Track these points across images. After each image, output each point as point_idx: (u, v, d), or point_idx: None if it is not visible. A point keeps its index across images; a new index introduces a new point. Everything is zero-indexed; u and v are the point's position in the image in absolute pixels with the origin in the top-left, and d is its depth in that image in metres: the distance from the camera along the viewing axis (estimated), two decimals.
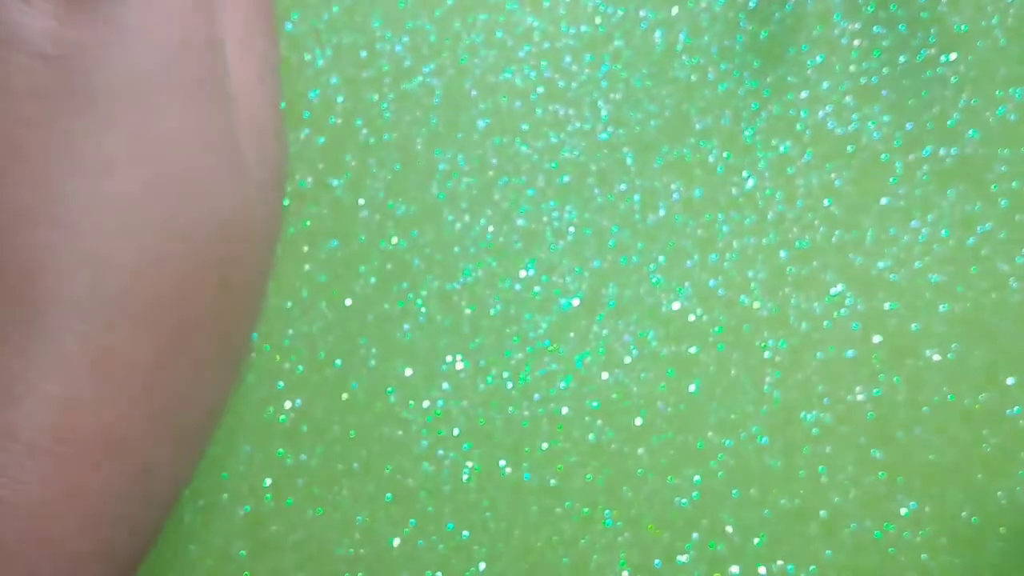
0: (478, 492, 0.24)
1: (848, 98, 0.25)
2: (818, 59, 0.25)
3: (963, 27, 0.25)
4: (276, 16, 0.19)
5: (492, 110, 0.24)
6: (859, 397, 0.24)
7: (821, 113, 0.25)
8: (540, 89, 0.24)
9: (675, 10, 0.25)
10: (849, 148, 0.25)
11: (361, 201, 0.24)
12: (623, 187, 0.24)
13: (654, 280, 0.24)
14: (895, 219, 0.25)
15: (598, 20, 0.24)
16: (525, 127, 0.24)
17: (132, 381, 0.18)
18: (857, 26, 0.25)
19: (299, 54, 0.24)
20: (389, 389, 0.24)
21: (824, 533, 0.24)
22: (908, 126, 0.25)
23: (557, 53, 0.24)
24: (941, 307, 0.25)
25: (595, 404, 0.24)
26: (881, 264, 0.24)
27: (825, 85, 0.25)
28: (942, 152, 0.25)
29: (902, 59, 0.25)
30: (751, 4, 0.25)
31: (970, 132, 0.25)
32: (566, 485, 0.24)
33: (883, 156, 0.25)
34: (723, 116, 0.24)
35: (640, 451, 0.24)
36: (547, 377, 0.24)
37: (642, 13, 0.24)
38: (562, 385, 0.24)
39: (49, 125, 0.17)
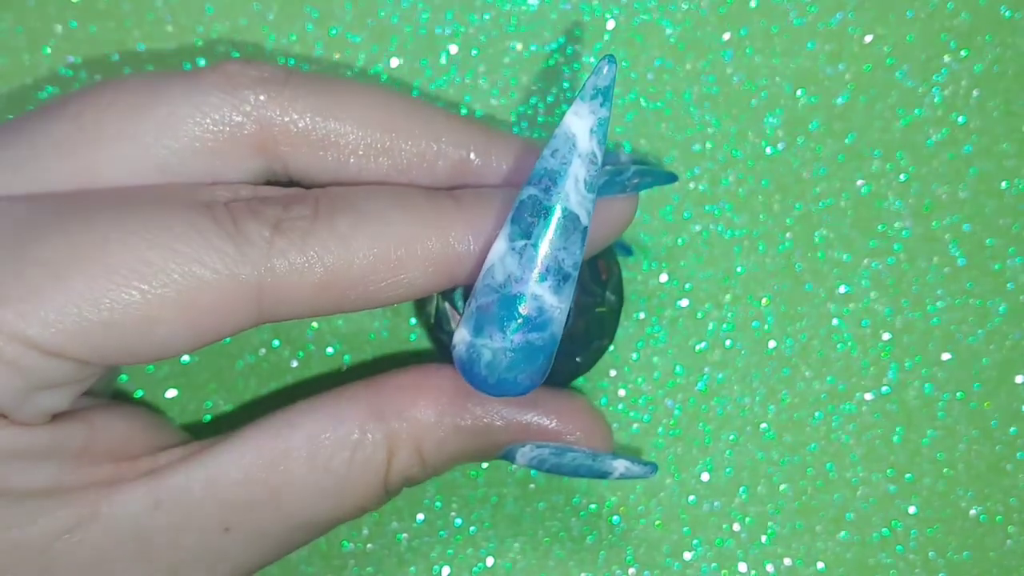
0: (486, 487, 0.24)
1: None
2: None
3: None
4: None
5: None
6: (867, 395, 0.24)
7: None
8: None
9: None
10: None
11: None
12: None
13: (662, 276, 0.24)
14: (904, 215, 0.24)
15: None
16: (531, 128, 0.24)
17: None
18: None
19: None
20: None
21: (832, 530, 0.24)
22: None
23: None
24: (952, 305, 0.24)
25: (603, 401, 0.24)
26: (891, 260, 0.24)
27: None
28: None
29: None
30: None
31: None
32: (573, 481, 0.24)
33: (902, 150, 0.24)
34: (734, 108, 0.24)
35: (647, 447, 0.24)
36: None
37: None
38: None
39: None
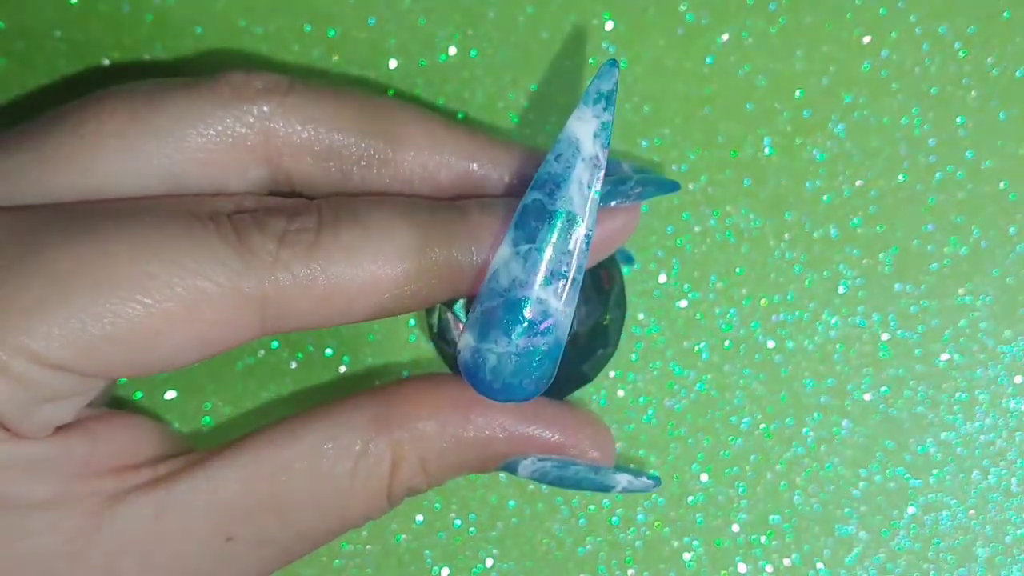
0: (485, 488, 0.24)
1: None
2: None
3: None
4: None
5: None
6: (867, 396, 0.24)
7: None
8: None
9: None
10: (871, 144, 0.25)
11: None
12: None
13: (662, 276, 0.24)
14: (903, 213, 0.24)
15: None
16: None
17: None
18: None
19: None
20: None
21: (831, 530, 0.24)
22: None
23: None
24: (951, 305, 0.24)
25: (603, 402, 0.24)
26: (889, 261, 0.24)
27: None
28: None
29: None
30: None
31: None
32: None
33: (901, 150, 0.24)
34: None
35: (647, 448, 0.24)
36: None
37: None
38: None
39: None
